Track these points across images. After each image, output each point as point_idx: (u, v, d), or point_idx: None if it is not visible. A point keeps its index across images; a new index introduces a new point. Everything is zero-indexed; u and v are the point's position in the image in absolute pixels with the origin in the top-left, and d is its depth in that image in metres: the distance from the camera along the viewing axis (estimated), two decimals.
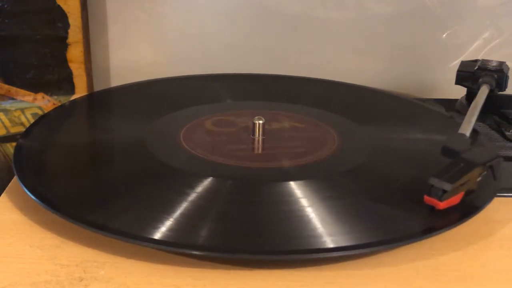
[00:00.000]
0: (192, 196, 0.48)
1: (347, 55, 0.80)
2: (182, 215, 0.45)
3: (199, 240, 0.43)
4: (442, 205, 0.45)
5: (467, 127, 0.55)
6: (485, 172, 0.48)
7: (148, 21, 0.78)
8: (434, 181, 0.45)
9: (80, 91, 0.76)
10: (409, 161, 0.55)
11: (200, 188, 0.48)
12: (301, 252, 0.43)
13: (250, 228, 0.45)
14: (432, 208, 0.46)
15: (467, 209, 0.47)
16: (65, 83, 0.75)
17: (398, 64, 0.80)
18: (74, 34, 0.74)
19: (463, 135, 0.53)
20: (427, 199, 0.46)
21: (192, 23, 0.79)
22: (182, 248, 0.43)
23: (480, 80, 0.64)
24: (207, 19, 0.79)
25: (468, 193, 0.47)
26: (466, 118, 0.57)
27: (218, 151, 0.56)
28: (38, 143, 0.57)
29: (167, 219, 0.45)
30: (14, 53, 0.74)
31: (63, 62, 0.75)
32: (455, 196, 0.46)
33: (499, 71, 0.64)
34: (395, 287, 0.42)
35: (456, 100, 0.69)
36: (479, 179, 0.48)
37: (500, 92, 0.65)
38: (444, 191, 0.45)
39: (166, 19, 0.78)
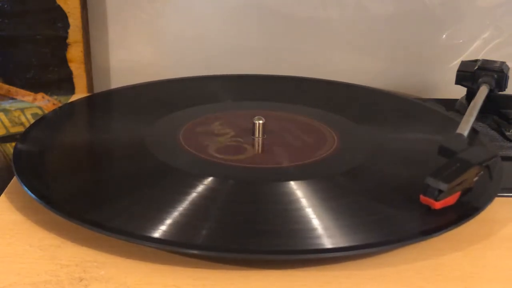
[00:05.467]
0: (192, 196, 0.48)
1: (347, 55, 0.80)
2: (182, 215, 0.45)
3: (199, 239, 0.43)
4: (438, 205, 0.45)
5: (465, 127, 0.55)
6: (481, 172, 0.48)
7: (148, 21, 0.78)
8: (430, 181, 0.45)
9: (80, 91, 0.76)
10: (409, 161, 0.55)
11: (200, 188, 0.48)
12: (301, 252, 0.43)
13: (250, 228, 0.45)
14: (428, 208, 0.46)
15: (468, 209, 0.47)
16: (65, 83, 0.75)
17: (398, 64, 0.80)
18: (74, 34, 0.74)
19: (460, 135, 0.53)
20: (423, 199, 0.46)
21: (192, 23, 0.79)
22: (182, 248, 0.43)
23: (480, 80, 0.64)
24: (207, 19, 0.79)
25: (464, 193, 0.47)
26: (465, 118, 0.57)
27: (218, 151, 0.56)
28: (38, 143, 0.57)
29: (167, 219, 0.45)
30: (14, 53, 0.74)
31: (63, 62, 0.75)
32: (451, 196, 0.46)
33: (499, 71, 0.64)
34: (396, 287, 0.42)
35: (456, 100, 0.69)
36: (475, 179, 0.48)
37: (500, 92, 0.65)
38: (440, 191, 0.45)
39: (166, 19, 0.78)
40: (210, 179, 0.50)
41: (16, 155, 0.54)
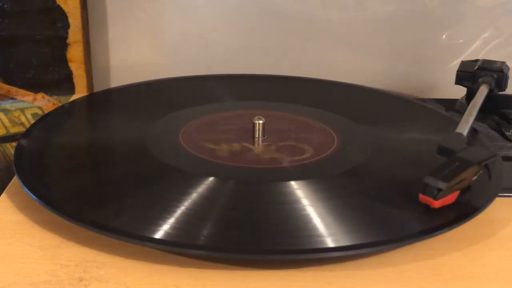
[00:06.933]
0: (192, 196, 0.48)
1: (347, 55, 0.80)
2: (182, 215, 0.45)
3: (199, 240, 0.43)
4: (437, 204, 0.45)
5: (464, 127, 0.55)
6: (480, 171, 0.48)
7: (148, 21, 0.78)
8: (429, 180, 0.46)
9: (80, 91, 0.76)
10: (409, 161, 0.55)
11: (200, 188, 0.48)
12: (301, 252, 0.43)
13: (250, 228, 0.45)
14: (427, 208, 0.46)
15: (468, 209, 0.47)
16: (65, 83, 0.75)
17: (398, 64, 0.80)
18: (74, 34, 0.74)
19: (459, 134, 0.53)
20: (422, 197, 0.46)
21: (192, 23, 0.79)
22: (182, 248, 0.43)
23: (480, 80, 0.64)
24: (207, 19, 0.79)
25: (464, 192, 0.47)
26: (464, 117, 0.57)
27: (218, 151, 0.56)
28: (39, 143, 0.57)
29: (167, 219, 0.45)
30: (14, 53, 0.74)
31: (63, 62, 0.75)
32: (450, 195, 0.46)
33: (499, 71, 0.64)
34: (396, 287, 0.42)
35: (456, 100, 0.69)
36: (474, 178, 0.48)
37: (500, 92, 0.65)
38: (439, 190, 0.45)
39: (166, 19, 0.78)
40: (210, 179, 0.50)
41: (16, 155, 0.54)
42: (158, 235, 0.43)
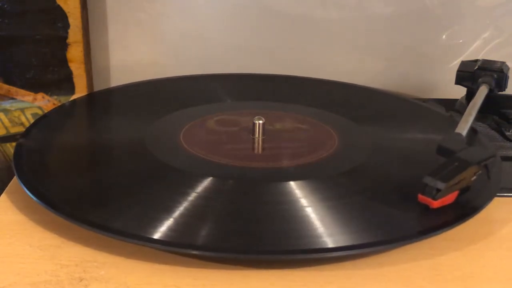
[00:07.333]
0: (192, 196, 0.48)
1: (347, 55, 0.80)
2: (182, 215, 0.45)
3: (199, 240, 0.43)
4: (436, 204, 0.45)
5: (464, 127, 0.55)
6: (480, 172, 0.48)
7: (148, 21, 0.78)
8: (428, 180, 0.46)
9: (80, 91, 0.76)
10: (409, 161, 0.55)
11: (200, 188, 0.48)
12: (301, 252, 0.43)
13: (250, 228, 0.45)
14: (426, 207, 0.46)
15: (467, 209, 0.47)
16: (65, 83, 0.75)
17: (398, 64, 0.80)
18: (74, 34, 0.74)
19: (458, 134, 0.53)
20: (421, 198, 0.46)
21: (192, 23, 0.79)
22: (182, 248, 0.43)
23: (480, 80, 0.64)
24: (207, 19, 0.79)
25: (463, 192, 0.47)
26: (464, 117, 0.57)
27: (218, 151, 0.56)
28: (38, 143, 0.57)
29: (167, 219, 0.45)
30: (14, 53, 0.74)
31: (63, 62, 0.75)
32: (449, 195, 0.46)
33: (499, 71, 0.64)
34: (395, 287, 0.42)
35: (456, 100, 0.69)
36: (473, 178, 0.48)
37: (500, 92, 0.65)
38: (438, 190, 0.45)
39: (166, 19, 0.78)
40: (210, 179, 0.50)
41: (16, 155, 0.54)
42: (158, 235, 0.43)
